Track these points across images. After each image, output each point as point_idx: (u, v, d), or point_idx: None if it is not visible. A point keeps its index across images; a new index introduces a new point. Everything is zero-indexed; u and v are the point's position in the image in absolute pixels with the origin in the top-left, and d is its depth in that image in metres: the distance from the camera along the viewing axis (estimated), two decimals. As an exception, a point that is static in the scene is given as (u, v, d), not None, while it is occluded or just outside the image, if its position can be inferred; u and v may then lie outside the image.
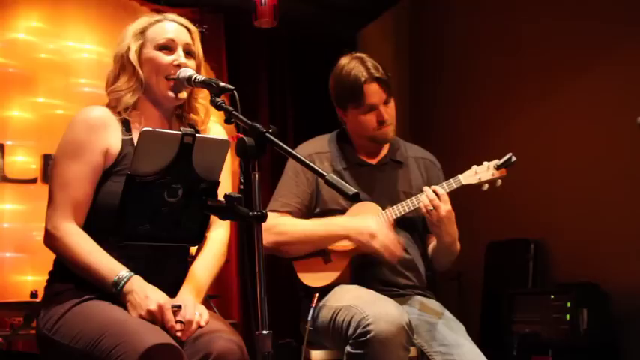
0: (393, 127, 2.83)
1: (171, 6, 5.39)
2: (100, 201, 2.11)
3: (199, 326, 2.00)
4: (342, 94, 2.84)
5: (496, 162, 2.65)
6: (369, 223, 2.62)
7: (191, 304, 2.04)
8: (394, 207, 2.70)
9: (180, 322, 1.97)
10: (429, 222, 2.64)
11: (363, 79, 2.75)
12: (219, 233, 2.30)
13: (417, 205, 2.64)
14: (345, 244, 2.69)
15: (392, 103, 2.82)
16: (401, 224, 2.75)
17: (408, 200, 2.69)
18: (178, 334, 1.95)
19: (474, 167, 2.67)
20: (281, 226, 2.72)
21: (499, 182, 2.65)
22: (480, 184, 2.65)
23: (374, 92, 2.76)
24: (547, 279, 4.59)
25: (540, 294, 4.15)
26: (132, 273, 2.00)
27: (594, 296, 3.99)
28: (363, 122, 2.81)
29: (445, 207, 2.59)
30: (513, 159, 2.63)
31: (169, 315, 1.95)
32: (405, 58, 6.35)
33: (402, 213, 2.69)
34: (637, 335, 3.91)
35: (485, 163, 2.67)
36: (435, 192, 2.60)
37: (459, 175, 2.68)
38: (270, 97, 6.44)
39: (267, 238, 2.65)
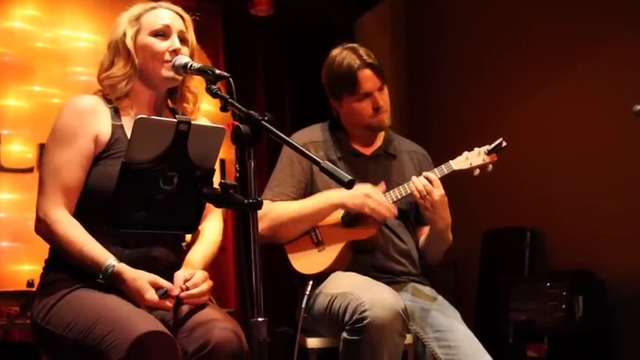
0: (388, 115, 2.84)
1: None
2: (93, 184, 2.11)
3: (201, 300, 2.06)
4: (336, 83, 2.84)
5: (487, 147, 2.66)
6: (362, 187, 2.64)
7: (200, 274, 2.08)
8: (387, 193, 2.70)
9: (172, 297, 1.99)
10: (422, 208, 2.65)
11: (356, 66, 2.76)
12: (213, 224, 2.33)
13: (408, 191, 2.65)
14: (336, 219, 2.71)
15: (386, 90, 2.83)
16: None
17: (400, 187, 2.69)
18: (168, 303, 1.98)
19: (465, 153, 2.68)
20: (274, 210, 2.72)
21: (490, 167, 2.66)
22: (471, 170, 2.66)
23: (368, 79, 2.77)
24: (543, 267, 4.61)
25: (536, 282, 4.17)
26: (117, 262, 2.00)
27: (590, 284, 4.00)
28: (358, 110, 2.81)
29: (438, 191, 2.60)
30: (504, 144, 2.65)
31: (144, 287, 1.97)
32: (402, 47, 6.34)
33: (395, 199, 2.69)
34: (632, 323, 3.93)
35: (476, 149, 2.68)
36: (427, 177, 2.61)
37: (450, 161, 2.69)
38: (266, 85, 6.42)
39: (263, 224, 2.65)
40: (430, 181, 2.60)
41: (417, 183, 2.61)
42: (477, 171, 2.66)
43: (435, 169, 2.68)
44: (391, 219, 2.69)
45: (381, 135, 2.94)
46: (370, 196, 2.62)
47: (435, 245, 2.83)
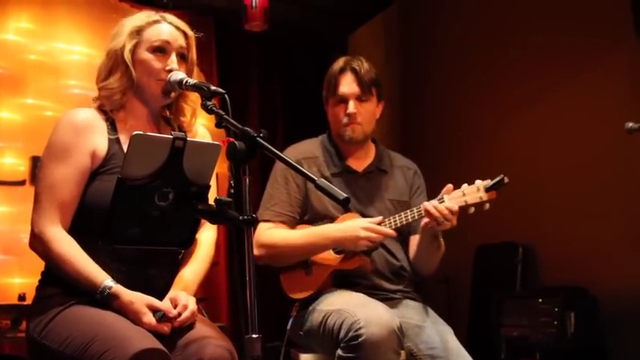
0: (363, 129, 2.81)
1: (162, 8, 5.40)
2: (89, 200, 2.10)
3: (191, 320, 2.05)
4: (325, 85, 2.88)
5: (487, 182, 2.47)
6: (354, 227, 2.58)
7: (184, 295, 2.08)
8: (388, 220, 2.62)
9: (169, 319, 2.00)
10: (431, 229, 2.57)
11: (340, 68, 2.80)
12: (208, 235, 2.32)
13: (420, 215, 2.56)
14: (329, 257, 2.69)
15: (369, 106, 2.82)
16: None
17: (414, 209, 2.59)
18: (166, 328, 1.98)
19: (464, 186, 2.51)
20: (272, 239, 2.72)
21: (487, 206, 2.48)
22: (465, 207, 2.49)
23: (347, 83, 2.78)
24: (535, 283, 4.61)
25: (528, 298, 4.16)
26: (113, 284, 1.99)
27: (582, 300, 4.00)
28: (332, 114, 2.85)
29: (454, 222, 2.51)
30: (506, 180, 2.46)
31: (141, 310, 1.97)
32: (395, 61, 6.37)
33: (397, 225, 2.61)
34: (624, 339, 3.93)
35: (477, 182, 2.49)
36: (450, 209, 2.48)
37: (445, 196, 2.52)
38: (260, 101, 6.44)
39: (260, 251, 2.70)
40: (452, 212, 2.48)
41: (438, 211, 2.48)
42: (472, 209, 2.50)
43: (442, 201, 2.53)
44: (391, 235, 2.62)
45: (372, 151, 2.93)
46: (364, 238, 2.55)
47: (430, 255, 2.75)
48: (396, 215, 2.63)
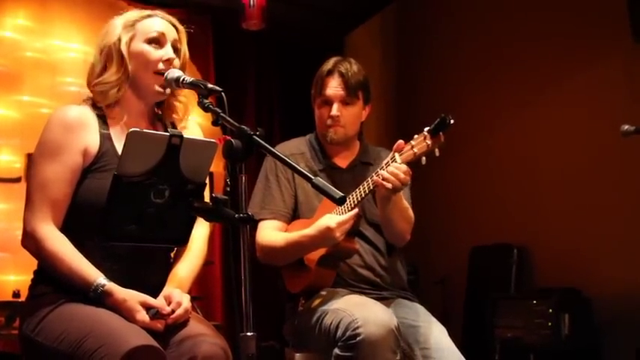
0: (345, 132, 2.82)
1: (159, 6, 5.40)
2: (82, 198, 2.09)
3: (185, 317, 2.05)
4: (313, 84, 2.89)
5: (429, 128, 2.40)
6: (324, 229, 2.53)
7: (177, 292, 2.08)
8: (355, 191, 2.60)
9: (162, 316, 2.00)
10: (387, 193, 2.53)
11: (327, 70, 2.81)
12: (200, 231, 2.30)
13: (374, 186, 2.53)
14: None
15: (354, 109, 2.82)
16: (372, 231, 2.78)
17: (369, 180, 2.55)
18: (159, 325, 1.98)
19: (415, 137, 2.46)
20: (269, 241, 2.73)
21: (437, 152, 2.41)
22: (417, 159, 2.44)
23: (333, 85, 2.79)
24: (530, 284, 4.62)
25: (523, 299, 4.17)
26: (106, 282, 1.99)
27: (576, 302, 4.02)
28: (318, 115, 2.87)
29: (407, 180, 2.49)
30: (450, 120, 2.35)
31: (135, 308, 1.97)
32: (392, 62, 6.37)
33: (364, 195, 2.58)
34: (618, 341, 3.95)
35: (425, 130, 2.42)
36: (400, 169, 2.46)
37: (396, 154, 2.49)
38: (257, 100, 6.43)
39: (260, 253, 2.74)
40: (404, 172, 2.46)
41: (393, 174, 2.46)
42: (424, 159, 2.44)
43: (383, 165, 2.52)
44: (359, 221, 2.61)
45: (356, 147, 2.95)
46: (339, 235, 2.51)
47: (392, 214, 2.69)
48: (353, 193, 2.60)
